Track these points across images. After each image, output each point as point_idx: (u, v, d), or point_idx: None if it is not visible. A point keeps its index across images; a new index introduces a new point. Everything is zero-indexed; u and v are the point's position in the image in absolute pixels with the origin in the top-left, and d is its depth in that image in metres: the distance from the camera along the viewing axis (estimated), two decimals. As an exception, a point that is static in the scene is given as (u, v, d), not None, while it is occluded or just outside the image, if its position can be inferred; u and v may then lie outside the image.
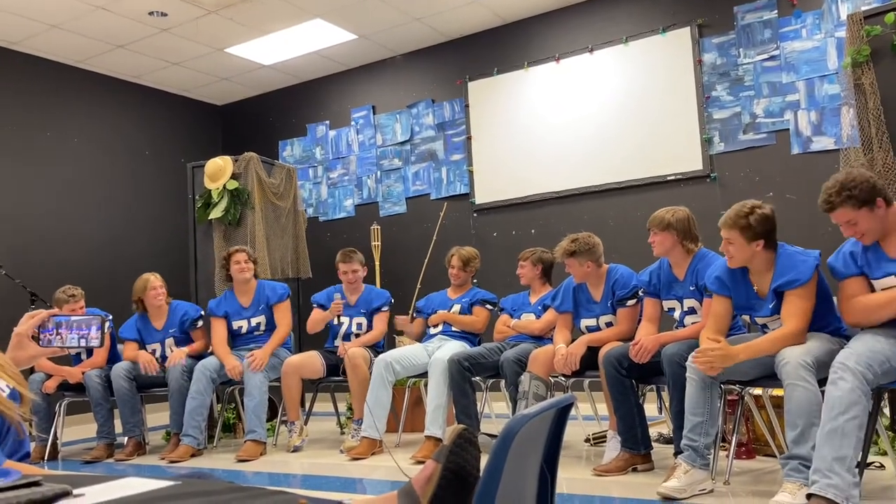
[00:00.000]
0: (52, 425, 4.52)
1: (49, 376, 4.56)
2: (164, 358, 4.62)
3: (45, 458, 4.45)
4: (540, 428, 1.16)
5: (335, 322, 4.51)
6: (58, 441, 4.57)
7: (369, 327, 4.57)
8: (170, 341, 4.64)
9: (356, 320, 4.56)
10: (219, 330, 4.55)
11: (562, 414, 1.24)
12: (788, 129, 5.16)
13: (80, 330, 1.53)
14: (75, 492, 0.91)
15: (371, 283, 5.82)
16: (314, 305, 4.62)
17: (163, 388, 4.49)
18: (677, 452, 2.87)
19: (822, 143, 5.03)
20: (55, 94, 6.62)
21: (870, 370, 2.29)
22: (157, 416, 5.68)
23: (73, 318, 1.54)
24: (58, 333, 1.53)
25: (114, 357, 4.75)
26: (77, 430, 5.47)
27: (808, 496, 2.23)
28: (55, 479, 0.96)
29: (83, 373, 4.52)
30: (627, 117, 5.76)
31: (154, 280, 4.63)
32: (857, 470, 2.26)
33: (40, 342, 1.51)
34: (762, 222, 2.72)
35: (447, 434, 1.26)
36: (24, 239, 6.18)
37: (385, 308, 4.57)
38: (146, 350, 4.63)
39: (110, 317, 4.72)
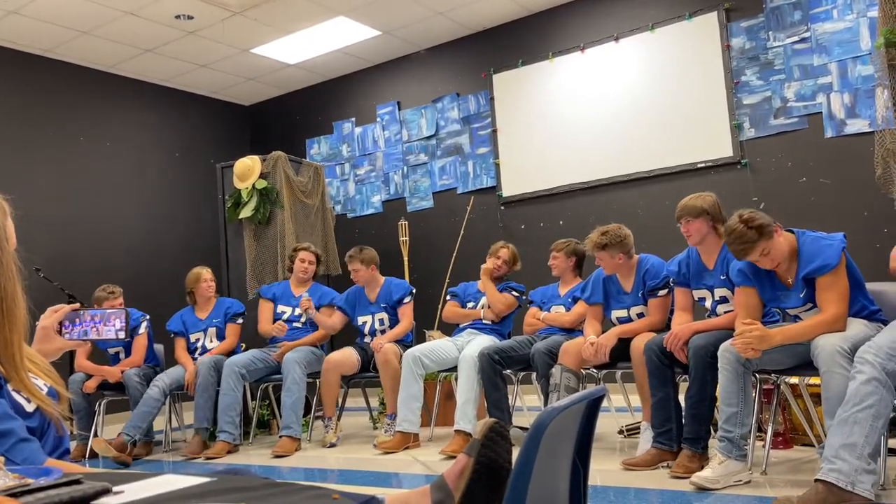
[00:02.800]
0: (93, 424, 4.62)
1: (89, 376, 4.67)
2: (204, 348, 4.74)
3: (87, 456, 4.55)
4: (571, 420, 1.16)
5: (359, 324, 4.60)
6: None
7: (392, 321, 4.58)
8: (212, 331, 4.80)
9: (378, 316, 4.56)
10: (265, 311, 4.84)
11: (593, 406, 1.23)
12: (821, 113, 5.05)
13: (104, 323, 1.56)
14: (115, 489, 0.93)
15: (400, 278, 5.86)
16: (336, 307, 4.68)
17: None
18: (686, 439, 2.85)
19: (857, 125, 4.91)
20: (86, 100, 6.75)
21: (891, 361, 2.24)
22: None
23: (97, 311, 1.57)
24: (82, 326, 1.56)
25: (151, 357, 4.86)
26: (117, 429, 5.57)
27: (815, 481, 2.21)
28: (95, 477, 0.99)
29: (122, 372, 4.62)
30: (655, 105, 5.69)
31: (205, 273, 4.86)
32: (870, 458, 2.20)
33: (65, 335, 1.54)
34: (759, 224, 2.67)
35: (478, 428, 1.26)
36: (60, 242, 6.32)
37: (407, 299, 4.55)
38: (189, 339, 4.78)
39: (147, 317, 4.84)
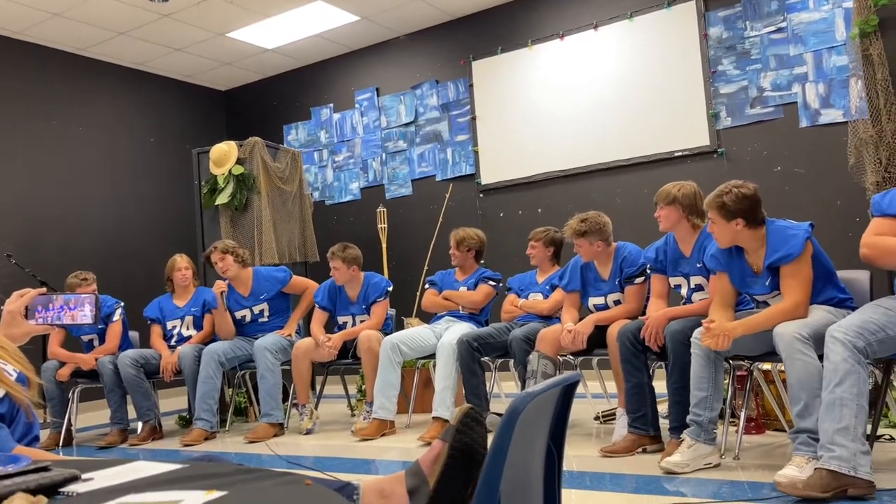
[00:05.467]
0: (67, 412, 4.57)
1: (62, 364, 4.61)
2: (181, 336, 4.68)
3: (60, 444, 4.51)
4: (546, 405, 1.17)
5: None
6: (72, 427, 4.62)
7: None
8: (189, 319, 4.75)
9: (359, 318, 4.51)
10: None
11: (568, 391, 1.24)
12: (796, 103, 5.11)
13: (72, 308, 1.53)
14: (84, 476, 0.92)
15: (378, 265, 5.85)
16: (318, 306, 4.57)
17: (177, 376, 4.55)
18: (672, 427, 2.88)
19: (831, 115, 4.97)
20: (59, 83, 6.62)
21: (860, 338, 2.27)
22: (170, 402, 5.74)
23: (68, 296, 1.55)
24: (53, 311, 1.54)
25: (126, 344, 4.81)
26: (91, 417, 5.53)
27: (816, 469, 2.24)
28: (65, 465, 0.98)
29: (96, 359, 4.57)
30: (633, 94, 5.71)
31: (180, 261, 4.79)
32: (864, 438, 2.25)
33: (38, 320, 1.52)
34: (738, 201, 2.71)
35: (454, 414, 1.26)
36: (32, 228, 6.21)
37: (381, 298, 4.46)
38: (166, 327, 4.72)
39: (122, 304, 4.79)
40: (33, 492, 0.82)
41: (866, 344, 2.28)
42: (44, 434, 4.74)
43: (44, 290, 1.59)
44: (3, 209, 6.06)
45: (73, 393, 4.65)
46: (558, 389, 1.19)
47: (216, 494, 0.78)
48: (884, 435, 3.02)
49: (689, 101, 5.47)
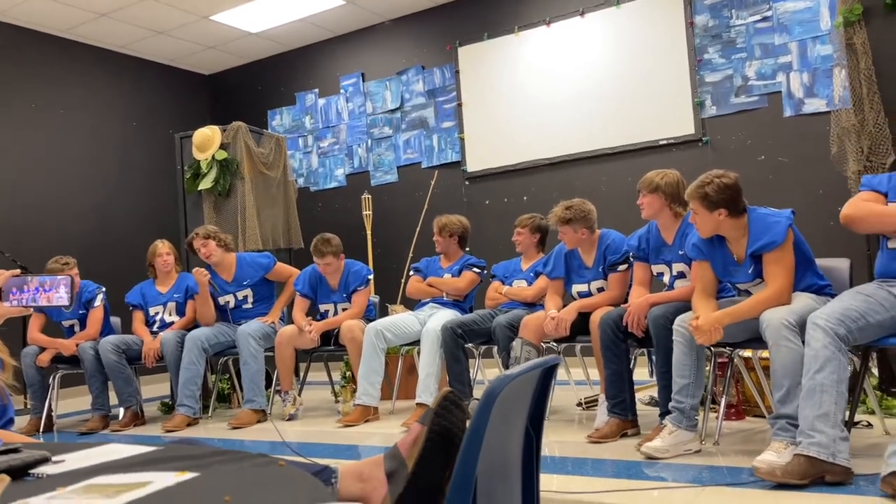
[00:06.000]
0: (47, 398, 4.53)
1: (42, 349, 4.57)
2: (163, 322, 4.64)
3: (41, 430, 4.47)
4: (524, 388, 1.17)
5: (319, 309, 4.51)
6: (53, 413, 4.58)
7: None
8: (171, 305, 4.71)
9: (341, 306, 4.48)
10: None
11: (547, 375, 1.24)
12: (781, 92, 5.13)
13: (47, 290, 1.51)
14: (56, 458, 0.91)
15: (363, 252, 5.83)
16: (299, 294, 4.53)
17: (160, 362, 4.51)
18: (662, 414, 2.89)
19: (814, 105, 5.00)
20: (40, 65, 6.52)
21: (841, 326, 2.30)
22: (152, 388, 5.70)
23: (43, 277, 1.52)
24: (29, 293, 1.51)
25: (107, 330, 4.77)
26: (73, 403, 5.49)
27: (795, 456, 2.26)
28: (36, 447, 0.96)
29: (77, 345, 4.53)
30: (619, 82, 5.71)
31: (161, 247, 4.74)
32: (843, 425, 2.28)
33: (13, 302, 1.49)
34: (720, 191, 2.71)
35: (434, 398, 1.26)
36: (12, 212, 6.13)
37: (362, 287, 4.44)
38: (148, 313, 4.68)
39: (103, 289, 4.75)
40: (1, 472, 0.81)
41: (847, 331, 2.30)
42: (24, 420, 4.70)
43: (18, 271, 1.56)
44: (-18, 193, 5.98)
45: (53, 378, 4.60)
46: (537, 372, 1.19)
47: (188, 476, 0.77)
48: (861, 421, 3.05)
49: (675, 90, 5.48)
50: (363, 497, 1.22)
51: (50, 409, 4.55)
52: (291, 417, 4.32)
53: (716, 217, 2.75)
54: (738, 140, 5.29)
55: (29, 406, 4.63)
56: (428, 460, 1.18)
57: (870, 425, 3.04)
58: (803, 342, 2.40)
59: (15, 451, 0.88)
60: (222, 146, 5.39)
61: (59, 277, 1.59)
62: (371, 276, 4.53)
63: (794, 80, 5.08)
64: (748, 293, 2.84)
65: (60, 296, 1.61)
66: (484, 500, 0.99)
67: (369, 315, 4.54)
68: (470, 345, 3.96)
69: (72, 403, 5.47)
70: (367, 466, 1.25)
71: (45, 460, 0.87)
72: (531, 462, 1.25)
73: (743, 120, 5.27)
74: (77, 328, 4.73)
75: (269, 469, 0.79)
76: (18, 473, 0.84)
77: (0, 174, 6.12)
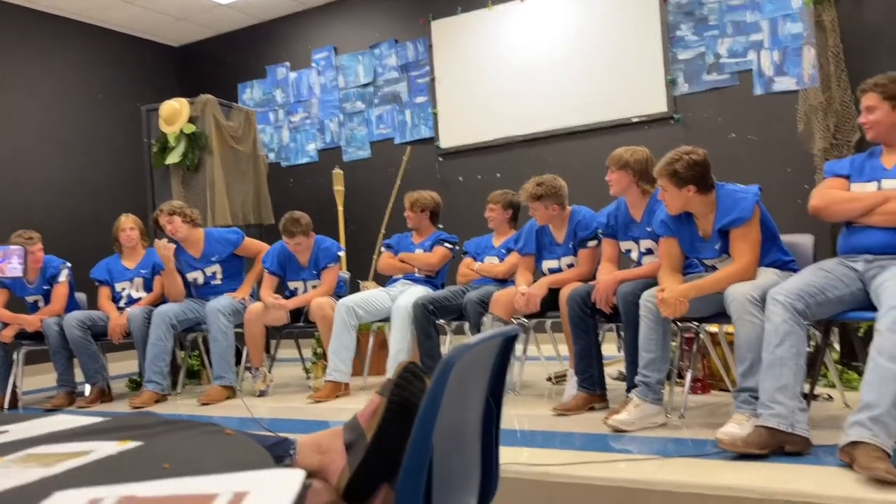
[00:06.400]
0: (11, 374, 4.46)
1: (6, 325, 4.48)
2: (130, 298, 4.58)
3: (6, 407, 4.40)
4: (483, 358, 1.16)
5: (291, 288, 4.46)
6: (17, 390, 4.51)
7: None
8: (139, 281, 4.65)
9: (311, 283, 4.43)
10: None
11: (506, 346, 1.23)
12: (751, 70, 5.15)
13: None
14: (-1, 429, 0.88)
15: (335, 228, 5.78)
16: (267, 271, 4.47)
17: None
18: (629, 388, 2.93)
19: (784, 83, 5.03)
20: (2, 35, 6.33)
21: (800, 301, 2.34)
22: (120, 365, 5.63)
23: None
24: None
25: (72, 305, 4.69)
26: (39, 380, 5.40)
27: (756, 427, 2.30)
28: (-20, 418, 0.94)
29: (41, 321, 4.45)
30: (593, 58, 5.70)
31: (125, 221, 4.66)
32: (802, 397, 2.32)
33: None
34: (689, 168, 2.72)
35: (395, 370, 1.25)
36: (-27, 186, 5.98)
37: (332, 264, 4.38)
38: (115, 289, 4.62)
39: (69, 264, 4.66)
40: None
41: (806, 306, 2.34)
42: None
43: (-31, 242, 1.51)
44: (-58, 166, 5.82)
45: (17, 355, 4.52)
46: (497, 343, 1.19)
47: (130, 445, 0.75)
48: (822, 394, 3.12)
49: (648, 67, 5.48)
50: (322, 468, 1.21)
51: (14, 386, 4.47)
52: (262, 394, 4.30)
53: (684, 194, 2.76)
54: (709, 118, 5.32)
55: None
56: (387, 431, 1.17)
57: (830, 398, 3.11)
58: (769, 317, 2.43)
59: (-46, 421, 0.86)
60: (191, 119, 5.29)
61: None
62: (341, 253, 4.49)
63: (765, 58, 5.11)
64: (714, 269, 2.87)
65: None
66: (440, 467, 0.99)
67: (340, 292, 4.51)
68: (441, 321, 3.96)
69: (38, 380, 5.38)
70: (325, 438, 1.24)
71: (-15, 431, 0.85)
72: (491, 433, 1.26)
73: (714, 98, 5.30)
74: (41, 304, 4.64)
75: (214, 437, 0.78)
76: (-43, 444, 0.81)
77: (-40, 147, 5.96)
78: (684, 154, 2.76)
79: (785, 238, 2.89)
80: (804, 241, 3.04)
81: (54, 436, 0.84)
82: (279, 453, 1.21)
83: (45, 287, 4.62)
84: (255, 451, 0.71)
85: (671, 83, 5.41)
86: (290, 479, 0.55)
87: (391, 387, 1.21)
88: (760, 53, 5.12)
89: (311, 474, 1.22)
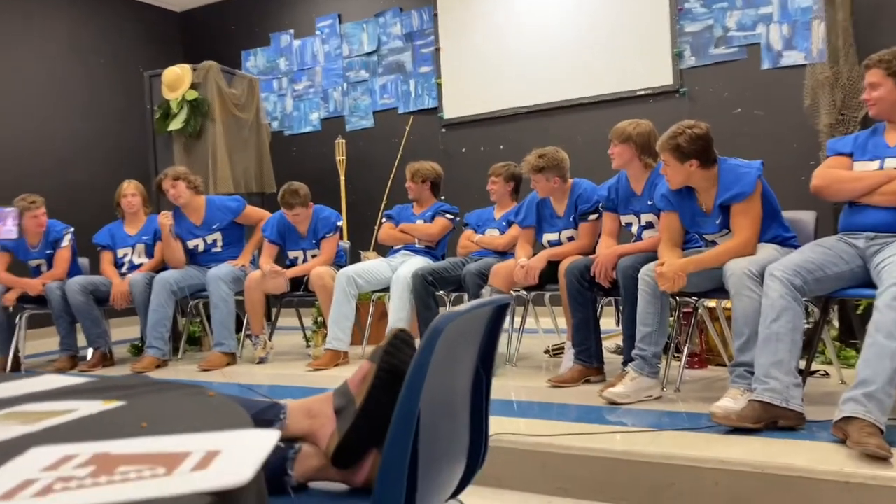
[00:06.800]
0: (14, 337, 4.49)
1: (9, 289, 4.50)
2: (132, 264, 4.60)
3: (8, 369, 4.44)
4: (472, 326, 1.16)
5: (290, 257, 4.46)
6: (20, 353, 4.55)
7: None
8: (140, 248, 4.66)
9: (310, 252, 4.43)
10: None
11: (497, 315, 1.23)
12: (759, 44, 5.08)
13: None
14: (-15, 388, 0.89)
15: (336, 198, 5.77)
16: (267, 240, 4.46)
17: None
18: (626, 361, 2.93)
19: (792, 57, 4.97)
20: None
21: (797, 277, 2.33)
22: (123, 330, 5.67)
23: None
24: None
25: (75, 270, 4.71)
26: (42, 344, 5.44)
27: (750, 402, 2.31)
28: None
29: (43, 285, 4.47)
30: (599, 29, 5.62)
31: (127, 187, 4.66)
32: (797, 372, 2.33)
33: None
34: (692, 142, 2.70)
35: (385, 337, 1.25)
36: (-24, 150, 5.97)
37: (331, 234, 4.38)
38: (117, 255, 4.63)
39: (71, 229, 4.67)
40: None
41: (803, 282, 2.33)
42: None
43: (-37, 203, 1.51)
44: (-56, 129, 5.81)
45: (20, 318, 4.55)
46: (487, 311, 1.18)
47: (114, 404, 0.76)
48: (819, 370, 3.12)
49: (655, 39, 5.41)
50: (311, 433, 1.22)
51: (17, 349, 4.51)
52: (262, 361, 4.33)
53: (687, 168, 2.74)
54: (715, 92, 5.26)
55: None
56: (376, 397, 1.18)
57: (827, 375, 3.12)
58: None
59: (-59, 379, 0.86)
60: (193, 86, 5.25)
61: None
62: (340, 223, 4.49)
63: (774, 31, 5.03)
64: (714, 244, 2.86)
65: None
66: (428, 434, 0.99)
67: (340, 261, 4.52)
68: (441, 292, 3.96)
69: (41, 344, 5.43)
70: (316, 403, 1.25)
71: (-29, 389, 0.86)
72: (480, 402, 1.26)
73: (721, 71, 5.23)
74: (44, 268, 4.66)
75: (196, 399, 0.79)
76: (-57, 402, 0.82)
77: (-38, 110, 5.93)
78: (687, 128, 2.73)
79: (787, 214, 2.88)
80: (806, 217, 3.02)
81: (40, 395, 0.85)
82: (269, 417, 1.22)
83: (48, 251, 4.64)
84: (234, 413, 0.71)
85: (678, 56, 5.34)
86: (263, 440, 0.56)
87: (381, 353, 1.21)
88: (769, 27, 5.04)
89: (301, 438, 1.23)
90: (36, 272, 4.68)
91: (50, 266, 4.63)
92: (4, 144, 6.19)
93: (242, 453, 0.53)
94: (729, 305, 3.11)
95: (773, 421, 2.30)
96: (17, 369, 4.49)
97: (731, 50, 5.19)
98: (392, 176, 5.84)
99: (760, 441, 2.24)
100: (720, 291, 2.78)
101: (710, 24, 5.25)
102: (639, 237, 3.27)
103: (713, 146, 2.77)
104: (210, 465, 0.51)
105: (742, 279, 2.46)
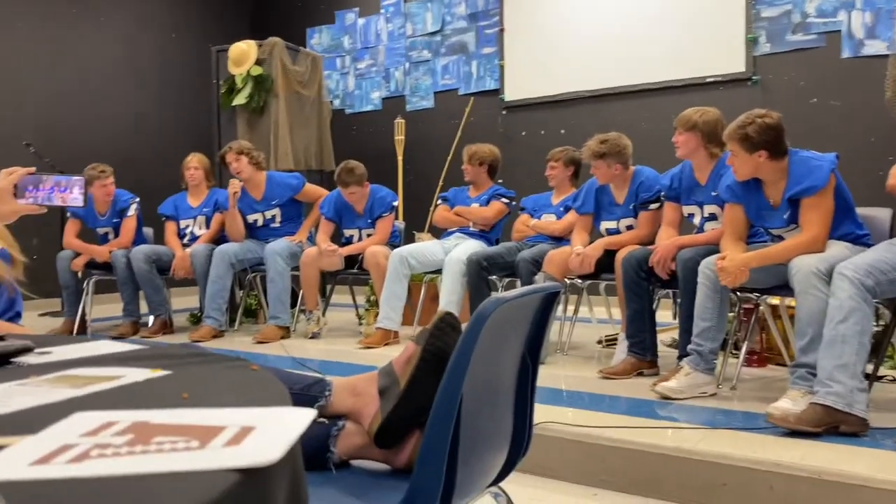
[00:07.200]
0: (81, 302, 4.68)
1: (77, 254, 4.68)
2: (193, 235, 4.72)
3: (75, 332, 4.63)
4: (520, 313, 1.14)
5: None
6: (86, 317, 4.73)
7: None
8: (201, 219, 4.79)
9: (366, 231, 4.47)
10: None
11: (547, 302, 1.21)
12: (840, 31, 4.84)
13: (62, 189, 1.50)
14: (42, 350, 0.91)
15: (393, 178, 5.79)
16: (324, 217, 4.51)
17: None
18: (681, 356, 2.86)
19: (875, 47, 4.72)
20: (79, -29, 6.47)
21: (869, 277, 2.22)
22: (184, 300, 5.84)
23: (59, 177, 1.51)
24: (40, 191, 1.50)
25: (140, 239, 4.86)
26: (107, 308, 5.66)
27: (811, 404, 2.22)
28: (26, 339, 0.97)
29: (110, 252, 4.63)
30: (668, 13, 5.45)
31: (191, 160, 4.79)
32: (863, 376, 2.22)
33: (28, 200, 1.49)
34: (762, 132, 2.58)
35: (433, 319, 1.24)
36: (49, 118, 6.21)
37: (387, 213, 4.40)
38: (179, 226, 4.77)
39: (137, 199, 4.82)
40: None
41: (875, 283, 2.22)
42: (58, 321, 4.87)
43: (33, 169, 1.55)
44: (23, 99, 6.05)
45: (87, 283, 4.74)
46: (537, 298, 1.16)
47: (161, 373, 0.76)
48: (886, 376, 2.98)
49: (728, 24, 5.21)
50: (354, 411, 1.22)
51: (84, 313, 4.69)
52: (314, 336, 4.39)
53: (755, 159, 2.63)
54: (790, 81, 5.04)
55: (64, 309, 4.80)
56: (420, 380, 1.17)
57: (895, 380, 2.97)
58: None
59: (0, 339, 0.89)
60: (258, 62, 5.32)
61: (73, 178, 1.58)
62: (396, 203, 4.51)
63: (856, 19, 4.78)
64: (781, 239, 2.75)
65: (75, 197, 1.60)
66: (470, 419, 0.98)
67: (394, 241, 4.53)
68: (493, 277, 3.94)
69: (106, 309, 5.64)
70: (360, 382, 1.25)
71: (27, 350, 0.88)
72: (525, 390, 1.24)
73: (797, 59, 5.01)
74: (111, 236, 4.83)
75: (239, 372, 0.79)
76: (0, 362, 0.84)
77: (37, 78, 6.16)
78: (757, 117, 2.62)
79: (861, 211, 2.74)
80: (881, 214, 2.87)
81: (92, 360, 0.87)
82: (314, 393, 1.22)
83: (115, 220, 4.80)
84: (275, 389, 0.71)
85: (752, 42, 5.13)
86: (298, 418, 0.55)
87: (426, 336, 1.20)
88: (851, 14, 4.79)
89: (345, 416, 1.23)
90: (104, 239, 4.85)
91: (117, 234, 4.80)
92: (77, 115, 6.42)
93: (276, 431, 0.52)
94: (793, 303, 3.00)
95: (834, 426, 2.21)
96: (83, 332, 4.67)
97: (810, 37, 4.96)
98: (449, 158, 5.81)
99: (819, 446, 2.15)
100: (784, 289, 2.68)
101: (788, 9, 5.02)
102: (701, 229, 3.17)
103: (784, 137, 2.65)
104: (243, 441, 0.51)
105: (809, 277, 2.35)
